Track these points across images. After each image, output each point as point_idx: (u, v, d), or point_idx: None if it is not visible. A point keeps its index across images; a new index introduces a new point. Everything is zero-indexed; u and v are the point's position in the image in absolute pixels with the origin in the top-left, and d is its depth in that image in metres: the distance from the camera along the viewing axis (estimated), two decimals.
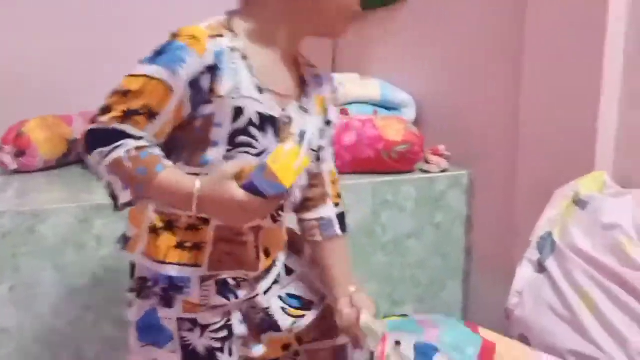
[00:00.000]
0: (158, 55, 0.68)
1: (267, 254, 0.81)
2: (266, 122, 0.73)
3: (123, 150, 0.66)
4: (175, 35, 0.69)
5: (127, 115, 0.67)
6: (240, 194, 0.66)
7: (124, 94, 0.68)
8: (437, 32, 1.66)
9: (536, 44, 1.24)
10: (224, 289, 0.76)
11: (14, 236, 1.02)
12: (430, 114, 1.71)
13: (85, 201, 1.09)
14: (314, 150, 0.82)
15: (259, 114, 0.72)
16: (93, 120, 0.68)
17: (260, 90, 0.72)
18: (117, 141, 0.67)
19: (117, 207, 0.70)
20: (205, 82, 0.68)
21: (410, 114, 1.73)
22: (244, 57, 0.71)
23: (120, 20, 2.13)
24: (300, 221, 0.90)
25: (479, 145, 1.47)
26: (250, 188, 0.66)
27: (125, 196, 0.68)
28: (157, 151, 0.69)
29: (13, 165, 1.43)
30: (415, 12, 1.77)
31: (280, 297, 0.86)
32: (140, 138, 0.68)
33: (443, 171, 1.44)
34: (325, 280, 0.87)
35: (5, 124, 1.52)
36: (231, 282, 0.77)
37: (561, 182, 1.11)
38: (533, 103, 1.25)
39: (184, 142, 0.72)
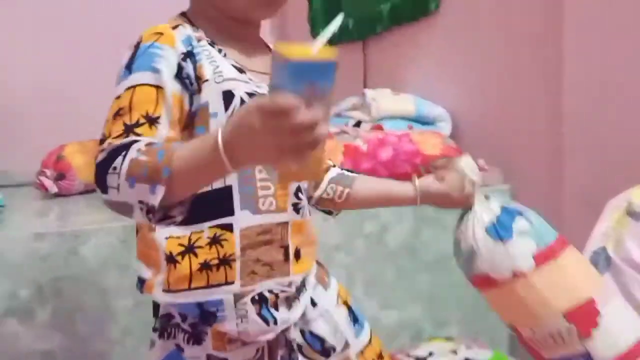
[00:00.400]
0: (131, 64, 0.65)
1: (298, 256, 0.73)
2: None
3: (134, 149, 0.57)
4: (139, 41, 0.66)
5: (128, 131, 0.60)
6: (254, 104, 0.52)
7: (116, 114, 0.62)
8: (470, 44, 1.63)
9: (577, 48, 1.20)
10: (262, 308, 0.69)
11: (55, 258, 1.02)
12: (467, 127, 1.68)
13: (126, 221, 1.09)
14: None
15: (248, 94, 0.68)
16: (96, 157, 0.60)
17: (241, 71, 0.69)
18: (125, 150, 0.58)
19: (155, 218, 0.58)
20: (189, 70, 0.65)
21: (446, 128, 1.70)
22: (212, 44, 0.69)
23: None
24: (320, 200, 0.84)
25: (520, 157, 1.43)
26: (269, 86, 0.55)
27: (156, 197, 0.55)
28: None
29: (53, 188, 1.46)
30: (446, 25, 1.75)
31: (303, 333, 0.76)
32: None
33: (484, 186, 1.40)
34: (390, 198, 0.86)
35: (45, 149, 1.55)
36: (268, 295, 0.69)
37: (612, 193, 1.06)
38: (578, 110, 1.21)
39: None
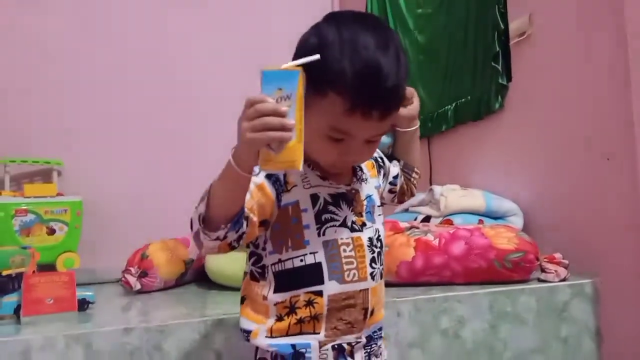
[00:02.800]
0: None
1: (372, 313, 0.88)
2: (338, 198, 0.87)
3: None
4: None
5: None
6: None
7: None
8: (537, 137, 1.66)
9: None
10: (339, 355, 0.85)
11: (141, 353, 1.06)
12: (539, 221, 1.66)
13: (206, 316, 1.12)
14: (388, 192, 1.02)
15: (330, 194, 0.86)
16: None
17: (324, 178, 0.87)
18: None
19: (206, 230, 0.75)
20: (280, 176, 0.83)
21: (517, 222, 1.69)
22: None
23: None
24: (400, 194, 1.04)
25: (600, 250, 1.39)
26: None
27: (202, 207, 0.75)
28: None
29: (137, 285, 1.53)
30: (510, 122, 1.79)
31: None
32: None
33: (562, 280, 1.36)
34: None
35: (130, 248, 1.65)
36: (346, 347, 0.85)
37: None
38: None
39: (286, 232, 0.84)
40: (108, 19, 2.41)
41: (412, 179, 1.06)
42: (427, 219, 1.75)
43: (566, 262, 1.37)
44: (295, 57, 0.83)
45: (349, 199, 0.88)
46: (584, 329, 1.34)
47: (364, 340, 0.88)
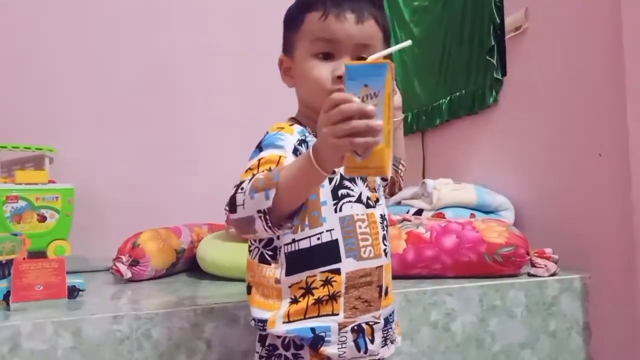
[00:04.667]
0: (261, 144, 0.84)
1: (386, 293, 0.88)
2: None
3: (256, 176, 0.74)
4: (267, 132, 0.86)
5: (253, 175, 0.76)
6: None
7: (247, 170, 0.79)
8: (530, 132, 1.66)
9: None
10: (359, 337, 0.83)
11: (131, 341, 1.06)
12: (531, 215, 1.67)
13: (197, 305, 1.12)
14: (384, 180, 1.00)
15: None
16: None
17: None
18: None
19: (271, 222, 0.71)
20: (303, 151, 0.83)
21: (509, 216, 1.70)
22: (317, 137, 0.80)
23: (218, 151, 2.33)
24: (390, 184, 1.03)
25: (590, 245, 1.40)
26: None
27: (269, 201, 0.69)
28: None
29: (128, 274, 1.52)
30: (504, 116, 1.80)
31: None
32: None
33: (552, 275, 1.36)
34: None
35: (121, 237, 1.65)
36: (365, 326, 0.84)
37: None
38: None
39: (304, 210, 0.81)
40: (100, 4, 2.39)
41: (399, 171, 1.07)
42: (419, 212, 1.75)
43: (556, 257, 1.38)
44: (285, 26, 0.89)
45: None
46: (572, 323, 1.35)
47: (382, 322, 0.87)
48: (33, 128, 2.21)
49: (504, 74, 1.78)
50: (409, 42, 0.68)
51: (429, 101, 2.19)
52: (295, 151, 0.82)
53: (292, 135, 0.84)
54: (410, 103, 2.32)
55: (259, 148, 0.83)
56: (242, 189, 0.73)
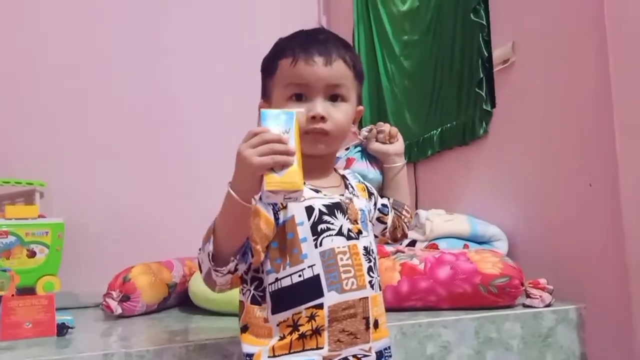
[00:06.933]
0: None
1: (376, 325, 0.88)
2: (333, 208, 0.88)
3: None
4: None
5: None
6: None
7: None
8: (521, 163, 1.68)
9: (632, 159, 1.22)
10: None
11: None
12: (523, 245, 1.67)
13: (189, 342, 1.10)
14: (378, 221, 1.04)
15: (325, 205, 0.88)
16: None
17: (317, 191, 0.89)
18: None
19: (217, 267, 0.79)
20: None
21: (502, 247, 1.70)
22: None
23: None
24: (392, 229, 1.08)
25: (583, 275, 1.40)
26: None
27: (211, 244, 0.78)
28: None
29: (118, 310, 1.50)
30: (495, 147, 1.81)
31: None
32: None
33: (547, 305, 1.36)
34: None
35: (111, 271, 1.62)
36: (351, 359, 0.84)
37: None
38: (638, 226, 1.19)
39: (284, 249, 0.85)
40: (92, 39, 2.41)
41: (402, 216, 1.08)
42: (412, 243, 1.75)
43: (551, 287, 1.38)
44: (262, 74, 0.95)
45: (344, 208, 0.89)
46: (569, 355, 1.34)
47: (373, 355, 0.86)
48: (24, 162, 2.21)
49: (493, 105, 1.80)
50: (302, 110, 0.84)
51: (420, 132, 2.21)
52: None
53: None
54: (402, 134, 2.34)
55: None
56: (199, 250, 0.81)
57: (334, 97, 0.90)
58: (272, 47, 0.94)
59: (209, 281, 0.83)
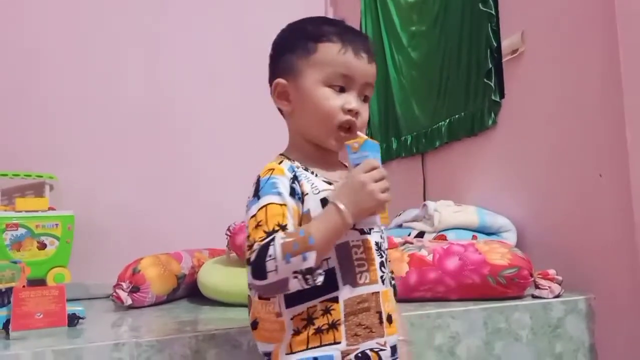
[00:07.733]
0: (258, 192, 0.85)
1: (390, 320, 0.88)
2: None
3: (278, 238, 0.77)
4: (259, 178, 0.87)
5: (268, 235, 0.79)
6: (356, 170, 0.82)
7: (257, 226, 0.81)
8: (530, 154, 1.67)
9: None
10: None
11: None
12: (532, 236, 1.66)
13: (198, 331, 1.11)
14: None
15: None
16: (248, 260, 0.79)
17: (329, 183, 0.89)
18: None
19: (313, 279, 0.78)
20: (297, 188, 0.86)
21: (511, 238, 1.69)
22: (306, 169, 0.90)
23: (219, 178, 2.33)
24: None
25: (593, 266, 1.39)
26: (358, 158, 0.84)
27: (309, 262, 0.76)
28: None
29: (128, 300, 1.51)
30: (504, 137, 1.80)
31: None
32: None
33: (556, 296, 1.35)
34: None
35: (121, 263, 1.64)
36: (369, 353, 0.84)
37: None
38: None
39: None
40: (101, 31, 2.42)
41: None
42: (420, 234, 1.75)
43: (560, 278, 1.37)
44: (285, 51, 0.92)
45: None
46: (578, 345, 1.34)
47: (388, 349, 0.86)
48: (33, 156, 2.22)
49: (502, 96, 1.79)
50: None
51: (428, 123, 2.20)
52: (292, 191, 0.85)
53: (284, 175, 0.86)
54: (410, 126, 2.33)
55: (257, 196, 0.85)
56: (270, 255, 0.76)
57: (365, 96, 0.92)
58: (299, 27, 0.93)
59: (276, 290, 0.80)
